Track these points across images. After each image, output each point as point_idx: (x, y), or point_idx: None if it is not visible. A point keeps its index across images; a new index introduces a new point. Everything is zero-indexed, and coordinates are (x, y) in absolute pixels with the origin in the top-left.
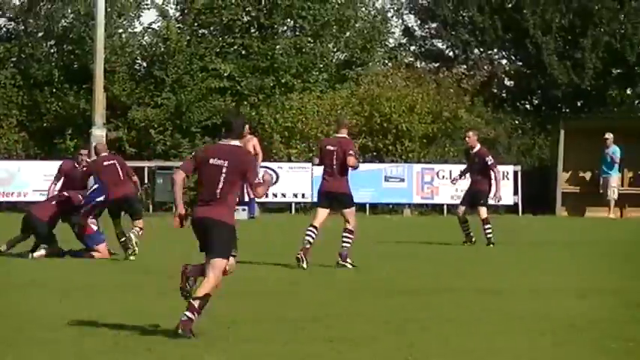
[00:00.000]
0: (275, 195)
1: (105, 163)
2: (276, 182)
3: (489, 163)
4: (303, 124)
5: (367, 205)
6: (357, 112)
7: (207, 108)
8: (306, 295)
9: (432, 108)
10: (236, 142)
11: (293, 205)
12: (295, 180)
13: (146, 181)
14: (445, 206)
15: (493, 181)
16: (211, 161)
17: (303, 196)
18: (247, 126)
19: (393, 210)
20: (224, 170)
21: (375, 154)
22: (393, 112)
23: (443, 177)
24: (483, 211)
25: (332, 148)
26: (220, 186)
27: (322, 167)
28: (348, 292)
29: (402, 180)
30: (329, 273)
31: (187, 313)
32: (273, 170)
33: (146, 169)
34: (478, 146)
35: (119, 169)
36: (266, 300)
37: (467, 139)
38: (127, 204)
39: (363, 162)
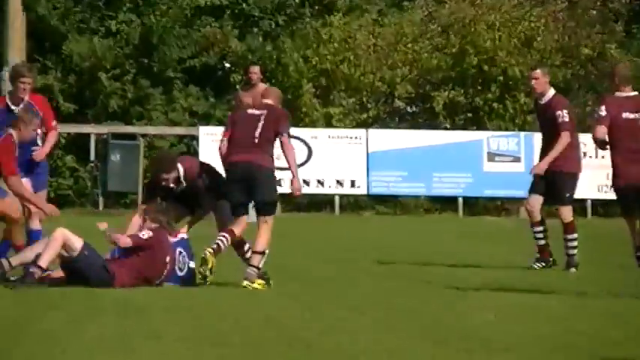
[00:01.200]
0: (307, 183)
1: None
2: (306, 162)
3: (560, 120)
4: (352, 66)
5: (461, 200)
6: (440, 48)
7: (192, 39)
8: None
9: (563, 42)
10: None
11: (337, 198)
12: (340, 158)
13: (92, 157)
14: (589, 203)
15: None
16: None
17: (352, 184)
18: (258, 68)
19: (503, 208)
20: None
21: (470, 115)
22: (499, 47)
23: (584, 154)
24: (566, 212)
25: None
26: None
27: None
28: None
29: (517, 159)
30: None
31: None
32: (304, 142)
33: (93, 138)
34: (551, 93)
35: None
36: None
37: (533, 81)
38: None
39: (452, 129)
